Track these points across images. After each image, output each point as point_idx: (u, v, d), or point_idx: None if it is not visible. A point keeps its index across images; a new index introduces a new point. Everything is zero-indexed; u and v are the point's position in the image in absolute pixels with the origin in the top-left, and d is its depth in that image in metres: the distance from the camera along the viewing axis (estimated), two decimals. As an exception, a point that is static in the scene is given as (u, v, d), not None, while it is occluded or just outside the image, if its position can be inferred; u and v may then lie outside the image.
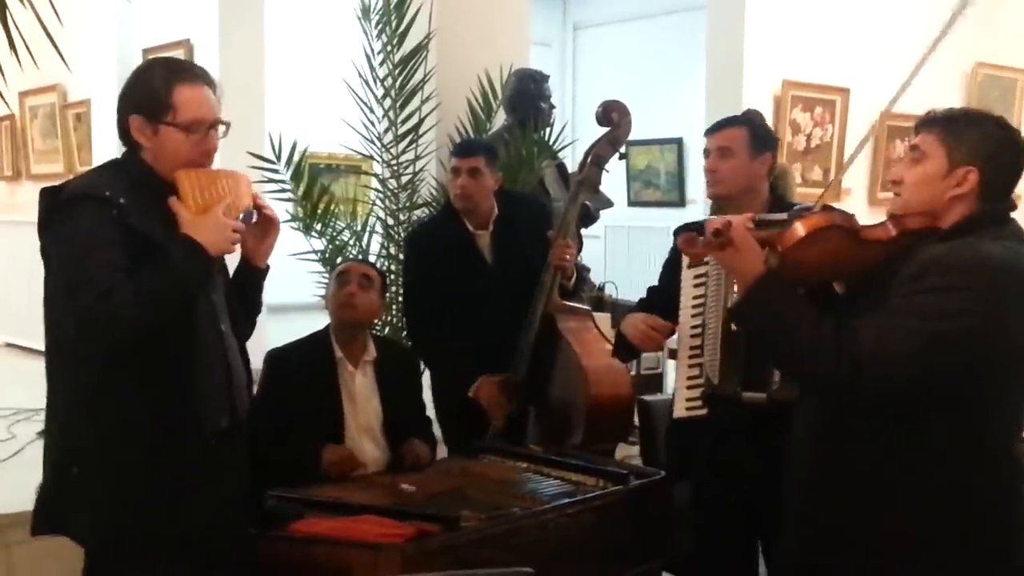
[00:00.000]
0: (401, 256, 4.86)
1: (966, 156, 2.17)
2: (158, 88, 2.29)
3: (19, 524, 3.61)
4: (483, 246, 3.73)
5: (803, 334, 2.13)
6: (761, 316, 2.23)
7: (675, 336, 3.01)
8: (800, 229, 2.20)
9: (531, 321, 3.61)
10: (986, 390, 2.15)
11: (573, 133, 5.31)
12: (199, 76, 2.35)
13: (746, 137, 2.94)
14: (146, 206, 2.24)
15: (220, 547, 2.39)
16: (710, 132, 3.00)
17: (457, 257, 3.70)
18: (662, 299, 3.06)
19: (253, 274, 2.55)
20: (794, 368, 2.31)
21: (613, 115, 3.76)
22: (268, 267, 2.57)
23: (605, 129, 3.78)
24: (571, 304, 3.78)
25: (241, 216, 2.38)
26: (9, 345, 8.12)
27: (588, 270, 5.52)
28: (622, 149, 3.80)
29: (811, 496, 2.33)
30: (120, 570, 2.30)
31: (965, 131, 2.19)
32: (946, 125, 2.21)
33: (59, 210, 2.22)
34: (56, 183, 2.29)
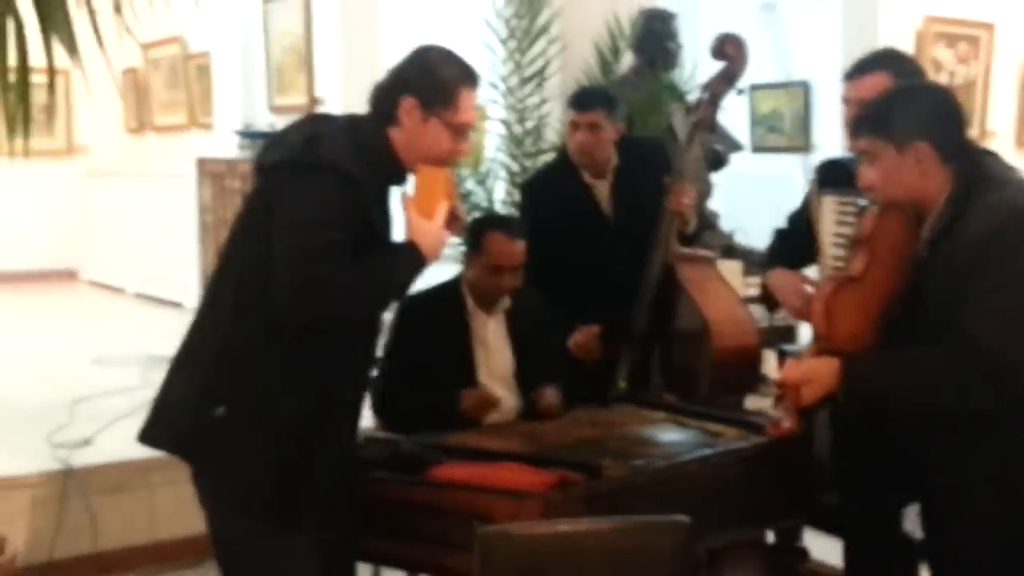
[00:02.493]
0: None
1: (907, 136, 2.23)
2: (448, 83, 2.32)
3: (160, 468, 3.77)
4: (601, 197, 3.65)
5: (921, 388, 2.18)
6: (872, 401, 2.27)
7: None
8: (820, 323, 2.30)
9: (650, 270, 3.53)
10: None
11: (701, 75, 5.18)
12: (478, 82, 2.42)
13: (889, 83, 2.77)
14: (377, 189, 2.28)
15: (334, 513, 2.41)
16: (850, 77, 2.83)
17: (574, 208, 3.63)
18: (797, 241, 2.98)
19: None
20: (947, 415, 2.24)
21: (728, 48, 3.54)
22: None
23: (721, 64, 3.62)
24: (691, 252, 3.66)
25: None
26: (139, 295, 8.38)
27: (717, 216, 5.40)
28: (740, 85, 3.62)
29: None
30: (241, 525, 2.32)
31: (891, 117, 2.26)
32: (874, 121, 2.29)
33: (312, 169, 2.21)
34: (313, 129, 2.28)
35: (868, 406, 2.30)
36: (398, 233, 2.40)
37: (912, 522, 2.91)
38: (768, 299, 3.03)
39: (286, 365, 2.26)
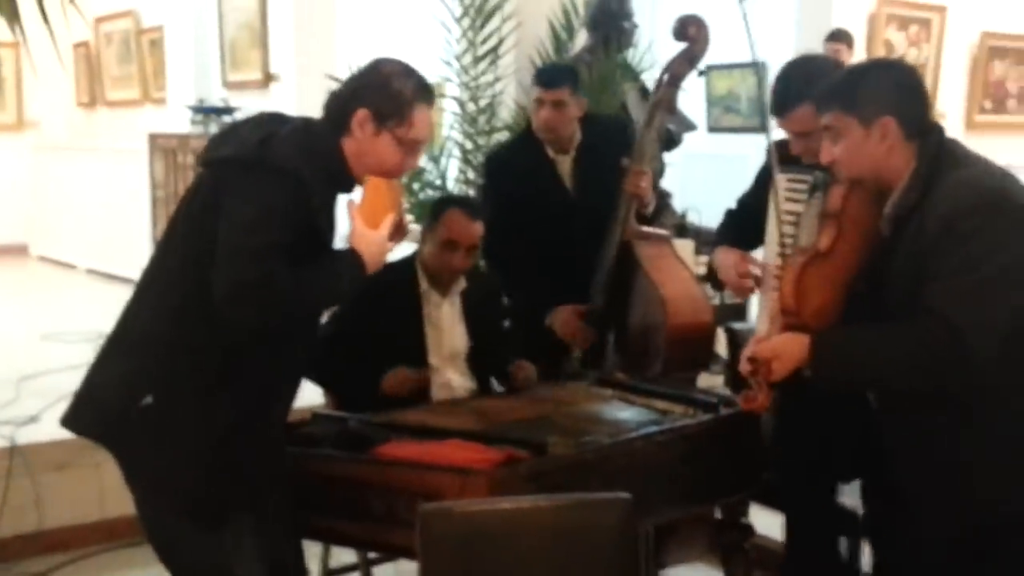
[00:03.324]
0: (479, 181, 4.83)
1: (873, 111, 2.23)
2: (403, 98, 2.30)
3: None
4: (563, 172, 3.65)
5: (889, 364, 2.19)
6: (840, 377, 2.29)
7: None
8: (788, 298, 2.29)
9: (608, 249, 3.54)
10: None
11: (656, 54, 5.18)
12: (433, 99, 2.40)
13: (812, 112, 2.76)
14: (325, 195, 2.26)
15: (264, 502, 2.40)
16: (778, 115, 2.73)
17: (536, 183, 3.63)
18: (746, 222, 2.99)
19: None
20: (916, 389, 2.25)
21: (690, 29, 3.53)
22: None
23: (682, 45, 3.62)
24: (648, 230, 3.65)
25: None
26: (90, 271, 8.28)
27: (670, 195, 5.41)
28: (701, 67, 3.62)
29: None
30: (171, 520, 2.30)
31: (858, 92, 2.26)
32: (840, 96, 2.28)
33: (262, 170, 2.19)
34: (267, 128, 2.26)
35: (836, 381, 2.32)
36: (340, 241, 2.38)
37: (853, 496, 2.96)
38: (714, 277, 3.05)
39: (223, 361, 2.22)
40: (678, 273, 3.58)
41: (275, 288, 2.11)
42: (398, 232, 2.41)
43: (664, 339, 3.44)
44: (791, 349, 2.27)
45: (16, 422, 4.08)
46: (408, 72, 2.37)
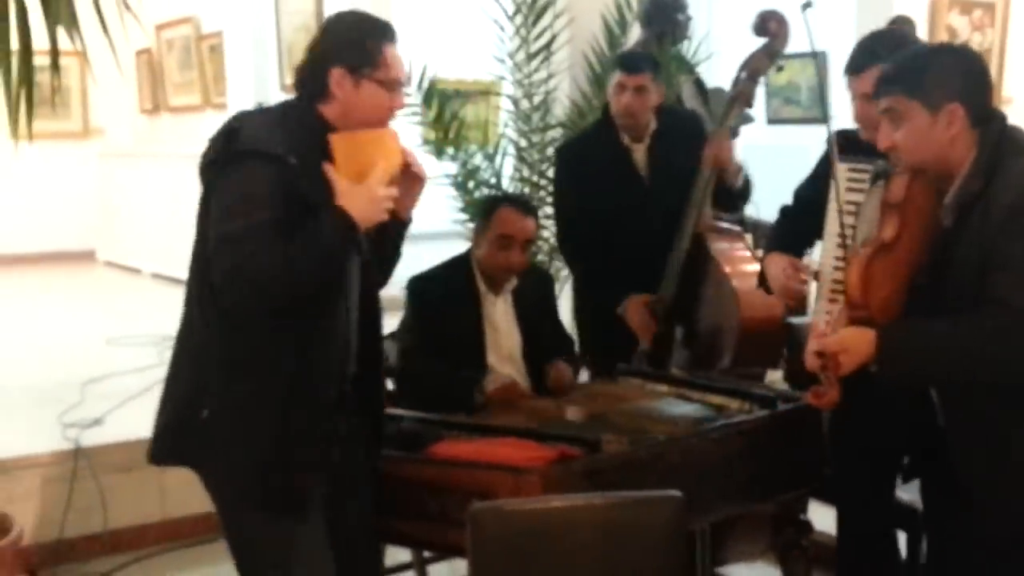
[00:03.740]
0: (534, 179, 4.83)
1: (940, 97, 2.18)
2: (371, 44, 2.31)
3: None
4: (638, 160, 3.67)
5: (958, 356, 2.14)
6: (909, 370, 2.22)
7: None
8: (855, 290, 2.25)
9: (681, 240, 3.53)
10: None
11: (711, 46, 5.13)
12: (396, 35, 2.39)
13: None
14: (318, 167, 2.24)
15: (335, 511, 2.41)
16: (851, 72, 2.77)
17: (611, 170, 3.65)
18: (801, 218, 2.95)
19: (396, 225, 2.49)
20: (985, 383, 2.19)
21: (771, 25, 3.54)
22: (411, 219, 2.54)
23: (761, 41, 3.60)
24: (722, 224, 3.70)
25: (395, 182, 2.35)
26: (156, 275, 8.42)
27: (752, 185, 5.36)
28: (780, 62, 3.62)
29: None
30: (244, 518, 2.32)
31: (925, 76, 2.21)
32: (906, 79, 2.23)
33: (231, 160, 2.22)
34: (233, 123, 2.28)
35: (904, 375, 2.25)
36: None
37: (913, 492, 2.90)
38: (764, 283, 3.02)
39: (252, 356, 2.25)
40: (751, 267, 3.56)
41: (260, 267, 2.11)
42: (413, 180, 2.42)
43: (735, 333, 3.45)
44: (859, 343, 2.22)
45: (81, 424, 4.16)
46: (363, 18, 2.40)
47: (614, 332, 3.57)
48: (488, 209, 3.33)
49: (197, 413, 2.26)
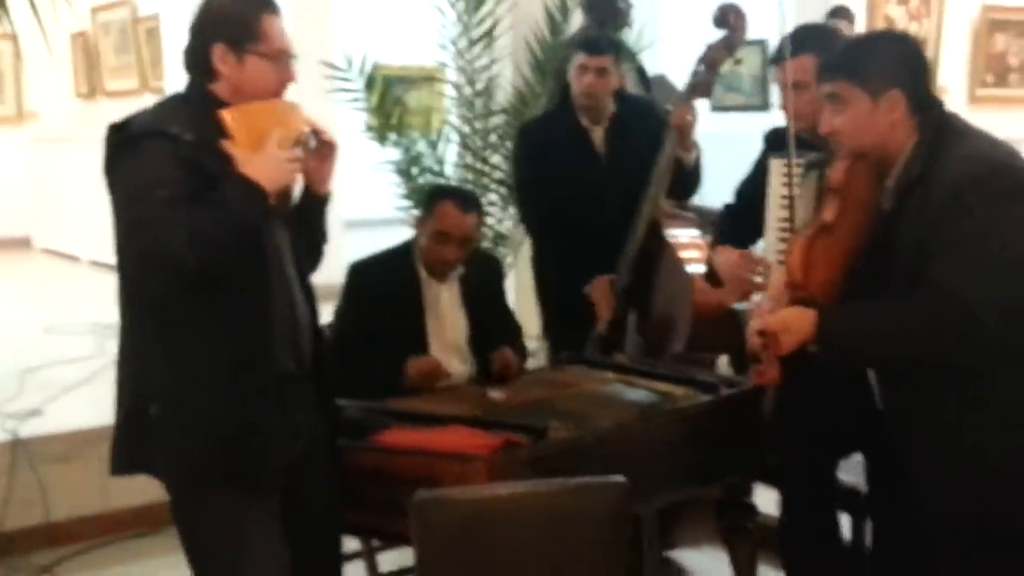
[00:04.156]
0: (478, 165, 4.82)
1: (882, 83, 2.22)
2: (247, 17, 2.28)
3: (111, 438, 3.72)
4: (597, 141, 3.73)
5: (895, 339, 2.17)
6: (847, 352, 2.26)
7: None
8: (796, 271, 2.27)
9: (637, 226, 3.56)
10: None
11: (654, 33, 5.15)
12: (278, 7, 2.35)
13: (815, 65, 2.78)
14: (216, 143, 2.21)
15: (296, 483, 2.38)
16: (776, 62, 2.83)
17: (571, 151, 3.71)
18: (744, 214, 3.01)
19: (315, 202, 2.48)
20: (921, 365, 2.23)
21: (730, 17, 3.54)
22: (330, 194, 2.51)
23: (720, 32, 3.62)
24: (677, 211, 3.74)
25: (299, 146, 2.32)
26: (94, 263, 8.29)
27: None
28: (738, 54, 3.63)
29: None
30: (199, 503, 2.31)
31: (866, 62, 2.25)
32: (847, 65, 2.27)
33: (125, 147, 2.19)
34: (122, 116, 2.26)
35: (843, 356, 2.29)
36: None
37: (855, 474, 2.95)
38: (713, 276, 3.06)
39: (189, 342, 2.23)
40: (704, 254, 3.59)
41: (167, 246, 2.08)
42: (324, 147, 2.39)
43: (689, 317, 3.48)
44: (799, 322, 2.24)
45: (19, 415, 4.09)
46: None
47: (571, 310, 3.60)
48: (429, 202, 3.33)
49: (146, 411, 2.24)
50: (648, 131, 3.60)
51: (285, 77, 2.33)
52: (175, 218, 2.09)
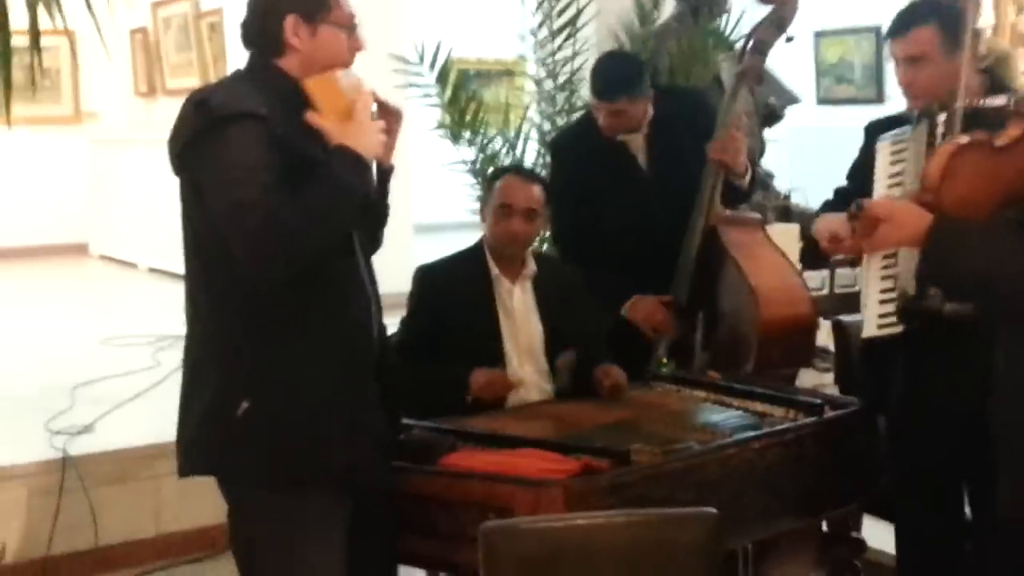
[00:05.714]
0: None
1: None
2: None
3: (165, 457, 3.76)
4: (636, 150, 3.61)
5: (1016, 270, 1.97)
6: (954, 265, 2.06)
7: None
8: (934, 172, 2.10)
9: (691, 236, 3.48)
10: None
11: (752, 20, 5.08)
12: None
13: (937, 37, 2.74)
14: (292, 120, 2.27)
15: (368, 482, 2.44)
16: (893, 36, 2.80)
17: (607, 164, 3.58)
18: (856, 192, 2.92)
19: (379, 174, 2.54)
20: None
21: None
22: (393, 167, 2.59)
23: (767, 8, 3.53)
24: (736, 214, 3.62)
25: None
26: (152, 270, 8.45)
27: (772, 176, 5.32)
28: (789, 32, 3.53)
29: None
30: (266, 511, 2.34)
31: None
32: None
33: (211, 130, 2.23)
34: (196, 97, 2.31)
35: (947, 272, 2.10)
36: None
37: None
38: (813, 250, 2.99)
39: (279, 342, 2.29)
40: (772, 261, 3.52)
41: (285, 225, 2.15)
42: (388, 114, 2.48)
43: (756, 334, 3.38)
44: (908, 217, 2.08)
45: (70, 432, 4.17)
46: None
47: (624, 337, 3.48)
48: (490, 183, 3.37)
49: (232, 412, 2.28)
50: (697, 128, 3.50)
51: (356, 46, 2.42)
52: (283, 199, 2.16)
